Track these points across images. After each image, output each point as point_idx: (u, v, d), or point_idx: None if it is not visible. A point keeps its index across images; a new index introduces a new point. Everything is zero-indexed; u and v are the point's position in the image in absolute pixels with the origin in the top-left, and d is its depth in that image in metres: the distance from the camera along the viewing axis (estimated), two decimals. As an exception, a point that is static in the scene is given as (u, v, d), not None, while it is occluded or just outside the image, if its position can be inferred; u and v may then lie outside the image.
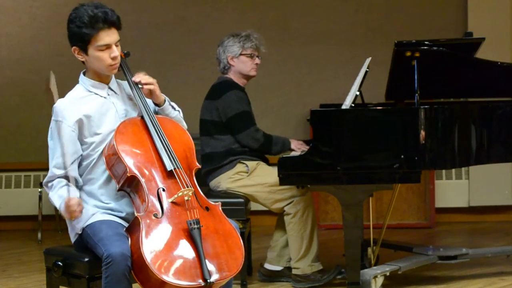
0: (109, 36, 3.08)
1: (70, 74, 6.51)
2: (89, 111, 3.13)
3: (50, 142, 3.15)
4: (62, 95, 7.36)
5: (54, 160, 3.11)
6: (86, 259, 3.08)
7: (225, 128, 4.50)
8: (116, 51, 3.10)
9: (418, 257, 4.52)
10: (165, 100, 3.29)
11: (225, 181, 4.49)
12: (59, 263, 3.13)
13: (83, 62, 3.18)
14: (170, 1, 6.36)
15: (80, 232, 3.15)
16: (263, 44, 4.61)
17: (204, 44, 6.39)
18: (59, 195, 3.06)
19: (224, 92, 4.50)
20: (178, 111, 3.36)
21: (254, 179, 4.45)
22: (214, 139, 4.47)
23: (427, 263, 4.52)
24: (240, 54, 4.54)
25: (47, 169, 3.13)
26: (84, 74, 3.22)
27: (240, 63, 4.56)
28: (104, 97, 3.18)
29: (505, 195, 6.50)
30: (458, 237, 5.95)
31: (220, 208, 3.11)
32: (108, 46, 3.09)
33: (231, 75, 4.59)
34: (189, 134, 3.25)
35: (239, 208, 4.35)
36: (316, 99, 6.13)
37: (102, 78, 3.19)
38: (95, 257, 3.06)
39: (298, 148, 4.52)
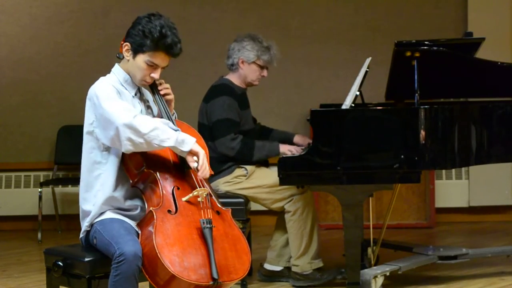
0: (163, 61, 3.15)
1: (70, 74, 6.58)
2: None
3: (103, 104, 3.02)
4: (62, 95, 7.34)
5: (119, 106, 3.02)
6: (86, 259, 3.07)
7: None
8: (158, 75, 3.17)
9: (418, 257, 4.52)
10: (173, 115, 3.35)
11: (223, 184, 4.46)
12: (59, 263, 3.13)
13: (118, 56, 3.21)
14: (170, 1, 6.35)
15: (88, 229, 3.15)
16: (277, 59, 4.56)
17: (204, 44, 6.38)
18: (165, 125, 3.01)
19: (214, 97, 4.45)
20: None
21: (253, 181, 4.44)
22: (208, 144, 4.36)
23: (427, 263, 4.52)
24: (253, 62, 4.50)
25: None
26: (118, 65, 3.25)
27: (249, 70, 4.51)
28: (132, 96, 3.22)
29: (505, 195, 6.51)
30: (458, 237, 5.95)
31: (230, 214, 3.14)
32: (155, 66, 3.15)
33: (234, 76, 4.56)
34: (204, 141, 3.28)
35: (239, 208, 4.34)
36: (316, 99, 6.13)
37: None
38: (97, 256, 3.06)
39: (289, 150, 4.40)
